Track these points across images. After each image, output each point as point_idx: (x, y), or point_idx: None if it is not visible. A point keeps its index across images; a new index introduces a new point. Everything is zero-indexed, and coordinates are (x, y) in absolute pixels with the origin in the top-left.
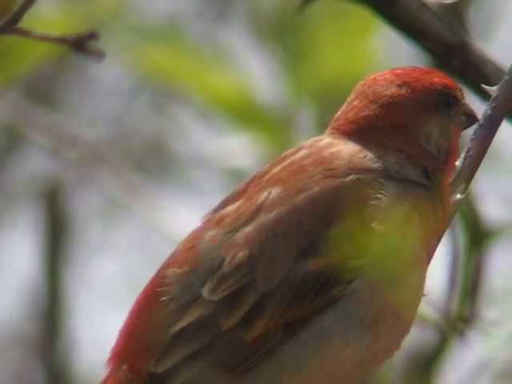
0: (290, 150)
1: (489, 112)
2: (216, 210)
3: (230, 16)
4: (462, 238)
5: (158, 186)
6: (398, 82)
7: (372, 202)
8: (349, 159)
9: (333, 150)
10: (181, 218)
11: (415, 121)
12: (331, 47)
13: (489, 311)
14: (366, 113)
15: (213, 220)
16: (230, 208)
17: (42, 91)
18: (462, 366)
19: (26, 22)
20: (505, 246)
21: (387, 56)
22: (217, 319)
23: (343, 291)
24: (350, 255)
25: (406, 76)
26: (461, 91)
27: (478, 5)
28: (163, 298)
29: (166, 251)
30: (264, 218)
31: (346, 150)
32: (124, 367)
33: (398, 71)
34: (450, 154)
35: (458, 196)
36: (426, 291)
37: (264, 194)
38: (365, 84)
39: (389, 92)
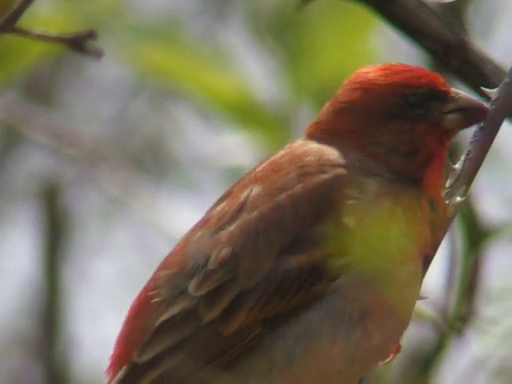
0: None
1: None
2: (206, 213)
3: (228, 15)
4: (460, 237)
5: (157, 184)
6: (355, 86)
7: (354, 199)
8: (318, 156)
9: (304, 148)
10: (180, 216)
11: (363, 125)
12: (330, 46)
13: (486, 310)
14: (326, 117)
15: (201, 222)
16: (217, 209)
17: (40, 90)
18: (459, 364)
19: (24, 21)
20: (503, 245)
21: (386, 55)
22: (198, 313)
23: (328, 288)
24: (334, 252)
25: (365, 78)
26: (440, 88)
27: (477, 4)
28: (154, 301)
29: (165, 250)
30: (246, 216)
31: (315, 148)
32: (117, 361)
33: (365, 71)
34: (415, 154)
35: (458, 198)
36: (425, 292)
37: (245, 193)
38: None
39: (344, 97)
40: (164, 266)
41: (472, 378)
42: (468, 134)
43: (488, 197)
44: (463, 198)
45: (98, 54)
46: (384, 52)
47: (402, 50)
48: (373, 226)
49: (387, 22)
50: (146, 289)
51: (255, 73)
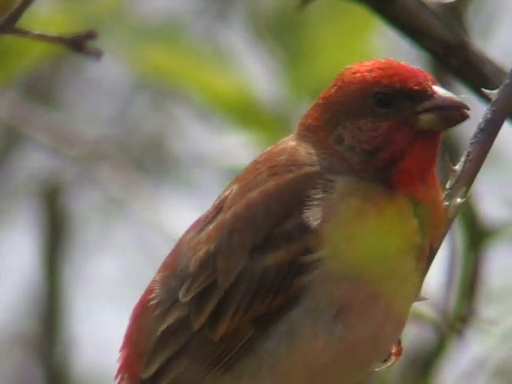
0: None
1: (489, 116)
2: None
3: (229, 15)
4: (460, 237)
5: (157, 184)
6: (334, 82)
7: (319, 198)
8: (289, 155)
9: (281, 147)
10: (180, 216)
11: (333, 122)
12: (330, 46)
13: (486, 310)
14: (309, 112)
15: (194, 223)
16: (208, 209)
17: (40, 90)
18: (459, 364)
19: (24, 21)
20: (503, 245)
21: (386, 55)
22: (189, 321)
23: (305, 284)
24: (308, 248)
25: (344, 75)
26: (413, 87)
27: (476, 4)
28: (152, 303)
29: (164, 250)
30: (223, 215)
31: (289, 147)
32: (126, 375)
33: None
34: (378, 153)
35: (459, 200)
36: (425, 293)
37: (226, 193)
38: None
39: (323, 93)
40: (160, 268)
41: (472, 379)
42: (468, 134)
43: (488, 198)
44: (463, 199)
45: (97, 54)
46: (384, 52)
47: (402, 50)
48: (345, 221)
49: (387, 22)
50: (147, 290)
51: (255, 73)
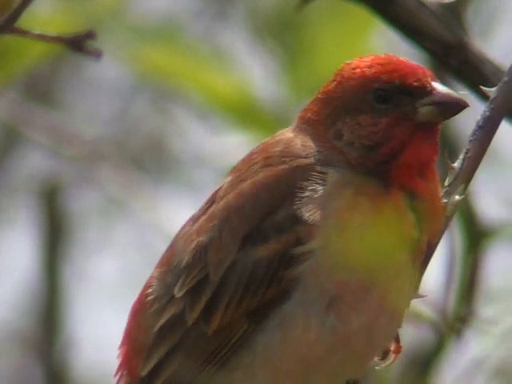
0: None
1: (487, 113)
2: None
3: (228, 15)
4: (459, 236)
5: (156, 184)
6: (334, 77)
7: (311, 189)
8: (283, 147)
9: (277, 138)
10: (180, 216)
11: (331, 117)
12: (330, 46)
13: (486, 310)
14: (308, 106)
15: (191, 218)
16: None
17: (40, 90)
18: (459, 364)
19: (23, 22)
20: (502, 245)
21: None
22: (184, 316)
23: (296, 276)
24: (299, 239)
25: (344, 70)
26: (413, 83)
27: (476, 4)
28: (149, 299)
29: (164, 249)
30: (215, 207)
31: (285, 139)
32: (125, 372)
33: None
34: (378, 148)
35: (457, 197)
36: (423, 291)
37: (220, 185)
38: None
39: (324, 87)
40: (158, 263)
41: (471, 379)
42: (467, 132)
43: (487, 196)
44: (462, 197)
45: (97, 54)
46: (383, 52)
47: (402, 50)
48: (331, 215)
49: (387, 23)
50: (145, 288)
51: (255, 73)
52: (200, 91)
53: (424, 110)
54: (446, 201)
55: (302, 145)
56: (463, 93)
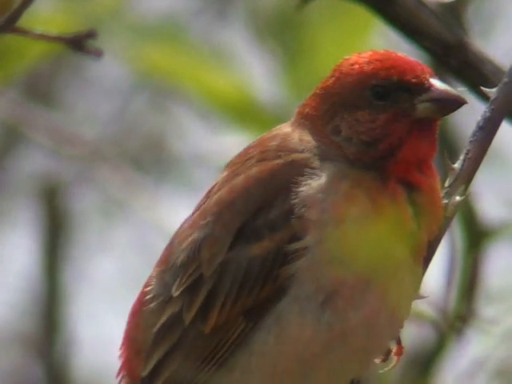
0: None
1: (488, 114)
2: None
3: (229, 14)
4: (459, 236)
5: (157, 184)
6: (332, 73)
7: (307, 184)
8: (280, 141)
9: (274, 133)
10: (180, 216)
11: (330, 113)
12: (330, 46)
13: (486, 310)
14: (307, 101)
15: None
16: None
17: (40, 90)
18: (459, 364)
19: (24, 21)
20: (503, 244)
21: None
22: (182, 315)
23: (292, 273)
24: (294, 234)
25: (343, 66)
26: (411, 80)
27: (476, 4)
28: (147, 298)
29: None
30: (207, 202)
31: (281, 133)
32: (126, 373)
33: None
34: (377, 144)
35: (458, 198)
36: (424, 291)
37: (217, 180)
38: None
39: (322, 82)
40: (157, 263)
41: (472, 378)
42: (467, 133)
43: (487, 196)
44: (462, 198)
45: (97, 54)
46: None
47: (402, 50)
48: (326, 209)
49: (387, 22)
50: (144, 287)
51: (255, 72)
52: (200, 91)
53: (422, 107)
54: (446, 201)
55: (299, 139)
56: (461, 89)
